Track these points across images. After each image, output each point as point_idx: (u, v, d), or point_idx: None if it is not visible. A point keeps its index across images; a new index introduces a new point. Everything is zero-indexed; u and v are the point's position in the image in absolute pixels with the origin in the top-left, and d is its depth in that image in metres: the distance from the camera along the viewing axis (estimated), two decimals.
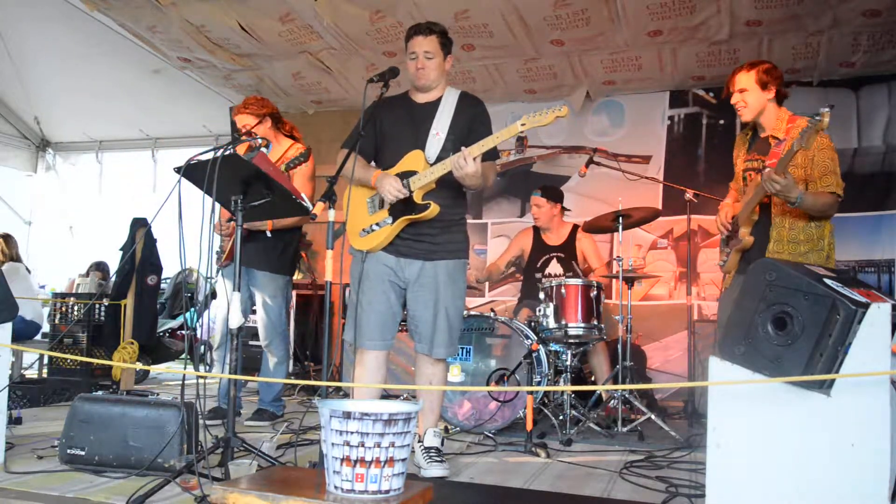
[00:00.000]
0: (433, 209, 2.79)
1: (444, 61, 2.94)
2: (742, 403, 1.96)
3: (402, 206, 2.84)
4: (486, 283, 6.03)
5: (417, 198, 2.81)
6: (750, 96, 3.04)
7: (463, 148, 2.67)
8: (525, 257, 4.82)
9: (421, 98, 2.98)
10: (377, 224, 2.89)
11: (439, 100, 2.95)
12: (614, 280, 4.50)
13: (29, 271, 5.92)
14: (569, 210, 4.91)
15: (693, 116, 5.68)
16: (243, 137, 3.73)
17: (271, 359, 3.99)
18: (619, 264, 4.07)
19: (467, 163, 2.65)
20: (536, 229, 4.82)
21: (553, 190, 4.82)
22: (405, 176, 2.83)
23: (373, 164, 3.03)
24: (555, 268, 4.67)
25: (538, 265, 4.73)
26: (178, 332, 6.23)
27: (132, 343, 4.95)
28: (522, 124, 2.65)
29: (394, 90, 3.00)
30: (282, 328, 4.01)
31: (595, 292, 3.99)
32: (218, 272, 3.94)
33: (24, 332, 5.26)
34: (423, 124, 2.91)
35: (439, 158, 2.82)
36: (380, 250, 2.90)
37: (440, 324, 2.89)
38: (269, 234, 3.67)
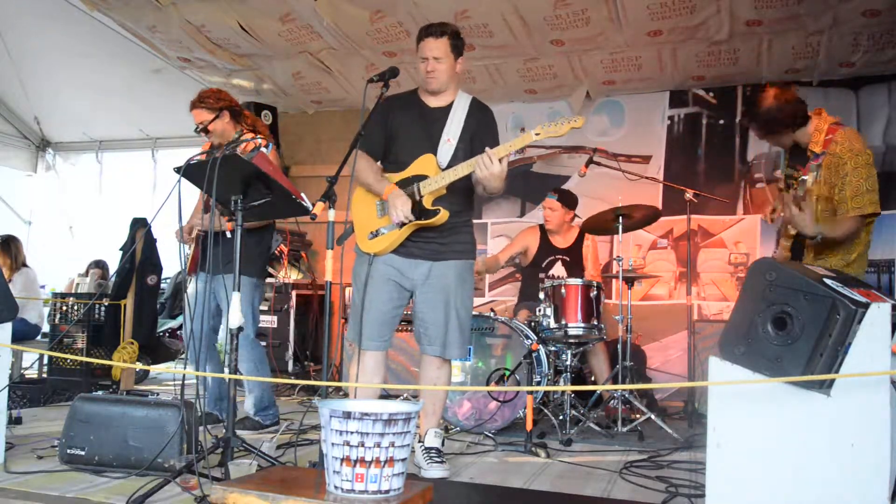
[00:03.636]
0: (442, 215, 2.79)
1: (455, 63, 2.90)
2: (742, 403, 1.96)
3: (412, 211, 2.83)
4: (486, 283, 6.04)
5: (427, 203, 2.81)
6: (774, 141, 2.98)
7: (487, 149, 2.65)
8: (529, 255, 4.80)
9: (432, 102, 2.95)
10: (385, 228, 2.88)
11: (451, 105, 2.93)
12: (614, 280, 4.51)
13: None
14: (579, 217, 4.91)
15: (693, 116, 5.68)
16: (201, 134, 3.67)
17: (240, 372, 3.51)
18: (619, 264, 4.06)
19: (493, 163, 2.62)
20: (544, 229, 4.80)
21: (569, 196, 4.79)
22: (416, 180, 2.83)
23: (379, 163, 3.00)
24: (559, 270, 4.66)
25: (543, 265, 4.72)
26: (178, 332, 6.23)
27: (132, 343, 4.95)
28: (537, 133, 2.64)
29: (394, 89, 2.99)
30: (249, 338, 3.65)
31: (595, 292, 3.99)
32: (188, 281, 3.65)
33: (25, 334, 5.27)
34: (435, 129, 2.89)
35: (449, 165, 2.82)
36: (388, 253, 2.90)
37: (452, 325, 2.88)
38: (228, 235, 3.25)
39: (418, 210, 2.82)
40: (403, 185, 2.86)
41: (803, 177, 2.64)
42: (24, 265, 5.64)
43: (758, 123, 2.93)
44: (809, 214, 2.67)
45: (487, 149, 2.65)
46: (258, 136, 3.55)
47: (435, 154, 2.86)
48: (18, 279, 5.48)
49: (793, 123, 2.86)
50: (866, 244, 2.88)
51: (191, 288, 3.72)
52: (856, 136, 2.79)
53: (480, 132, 2.89)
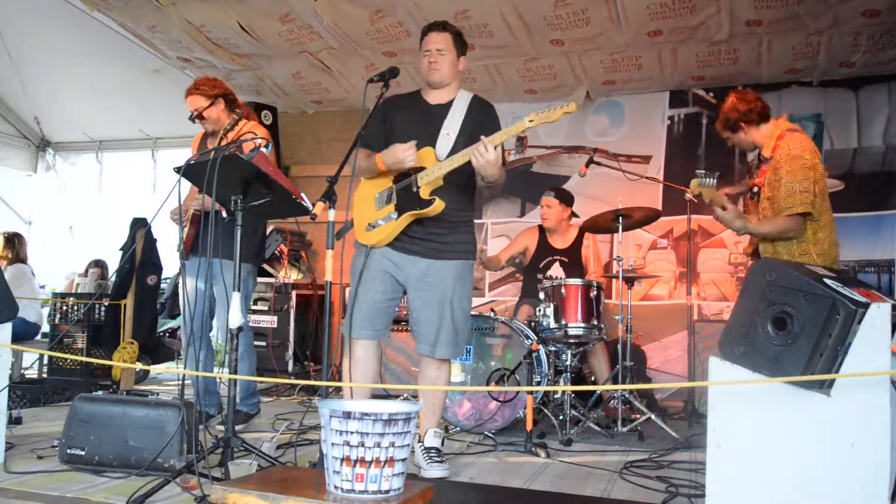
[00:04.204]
0: (438, 205, 2.78)
1: (457, 60, 2.94)
2: (742, 403, 1.96)
3: (408, 202, 2.83)
4: (486, 283, 6.04)
5: (424, 194, 2.81)
6: (736, 139, 3.15)
7: (483, 137, 2.66)
8: (528, 256, 4.81)
9: (433, 98, 2.97)
10: (383, 219, 2.88)
11: (452, 101, 2.95)
12: (614, 280, 4.51)
13: (34, 274, 5.92)
14: (577, 216, 4.90)
15: (693, 116, 5.68)
16: (196, 121, 3.69)
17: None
18: (619, 264, 4.07)
19: (488, 150, 2.63)
20: (542, 230, 4.81)
21: (565, 193, 4.81)
22: (415, 172, 2.83)
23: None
24: (557, 271, 4.66)
25: (541, 266, 4.73)
26: (178, 332, 6.23)
27: (132, 343, 4.95)
28: (530, 120, 2.63)
29: (394, 89, 2.99)
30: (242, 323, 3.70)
31: (595, 292, 3.99)
32: (181, 267, 3.61)
33: (24, 333, 5.28)
34: (435, 124, 2.91)
35: (448, 158, 2.82)
36: (385, 246, 2.89)
37: (445, 324, 2.88)
38: (224, 216, 3.26)
39: (415, 201, 2.82)
40: (402, 178, 2.87)
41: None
42: (22, 261, 5.64)
43: (720, 122, 3.14)
44: (732, 212, 2.89)
45: (483, 137, 2.66)
46: (257, 136, 3.54)
47: (433, 147, 2.86)
48: (10, 270, 5.49)
49: (747, 119, 3.06)
50: (827, 243, 2.95)
51: (189, 284, 3.69)
52: (797, 142, 2.93)
53: (484, 127, 2.89)
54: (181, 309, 6.14)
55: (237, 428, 3.60)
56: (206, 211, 3.41)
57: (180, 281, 3.72)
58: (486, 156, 2.63)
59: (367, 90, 2.76)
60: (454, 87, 2.98)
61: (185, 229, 3.64)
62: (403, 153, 2.78)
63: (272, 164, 2.69)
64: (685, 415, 4.45)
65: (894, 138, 5.17)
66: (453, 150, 2.84)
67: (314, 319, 5.88)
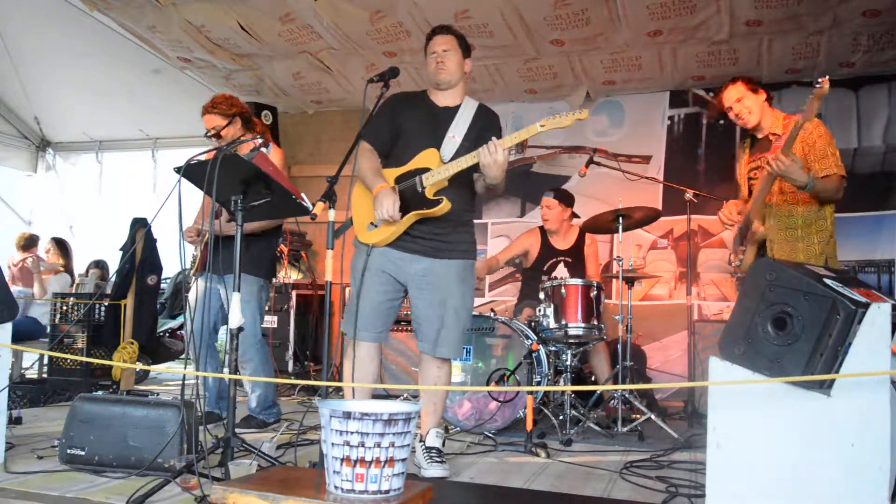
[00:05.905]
0: (444, 205, 2.78)
1: (462, 60, 2.97)
2: (742, 403, 1.96)
3: (413, 201, 2.82)
4: (486, 283, 6.04)
5: (429, 194, 2.81)
6: (748, 101, 3.15)
7: (494, 138, 2.68)
8: (530, 258, 4.80)
9: (441, 101, 2.99)
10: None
11: (458, 106, 2.98)
12: (614, 280, 4.51)
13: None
14: (577, 217, 4.91)
15: (693, 116, 5.69)
16: (212, 139, 3.70)
17: (244, 371, 3.62)
18: (619, 264, 4.07)
19: (497, 150, 2.65)
20: (544, 231, 4.81)
21: (565, 194, 4.81)
22: (418, 173, 2.83)
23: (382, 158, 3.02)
24: (562, 272, 4.67)
25: (545, 268, 4.72)
26: (178, 332, 6.23)
27: (132, 343, 4.95)
28: (542, 125, 2.65)
29: (395, 89, 3.00)
30: (256, 337, 3.73)
31: (595, 292, 3.99)
32: (194, 279, 3.70)
33: (33, 333, 5.31)
34: (441, 126, 2.92)
35: (453, 160, 2.82)
36: (386, 245, 2.89)
37: (448, 323, 2.88)
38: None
39: (420, 201, 2.81)
40: (405, 178, 2.86)
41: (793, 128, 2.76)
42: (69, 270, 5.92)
43: (744, 77, 3.19)
44: (797, 161, 2.85)
45: (494, 138, 2.68)
46: (256, 136, 3.55)
47: (438, 149, 2.87)
48: (59, 279, 5.75)
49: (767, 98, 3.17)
50: (829, 233, 3.04)
51: (192, 291, 3.73)
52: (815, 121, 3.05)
53: (488, 133, 2.90)
54: (183, 311, 6.18)
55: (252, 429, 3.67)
56: (220, 235, 3.45)
57: (186, 297, 3.75)
58: (494, 155, 2.65)
59: (367, 90, 2.76)
60: (461, 92, 3.00)
61: (198, 250, 3.66)
62: (388, 214, 2.75)
63: (272, 164, 2.69)
64: (685, 415, 4.45)
65: (894, 138, 5.18)
66: (458, 153, 2.85)
67: (314, 319, 5.88)
